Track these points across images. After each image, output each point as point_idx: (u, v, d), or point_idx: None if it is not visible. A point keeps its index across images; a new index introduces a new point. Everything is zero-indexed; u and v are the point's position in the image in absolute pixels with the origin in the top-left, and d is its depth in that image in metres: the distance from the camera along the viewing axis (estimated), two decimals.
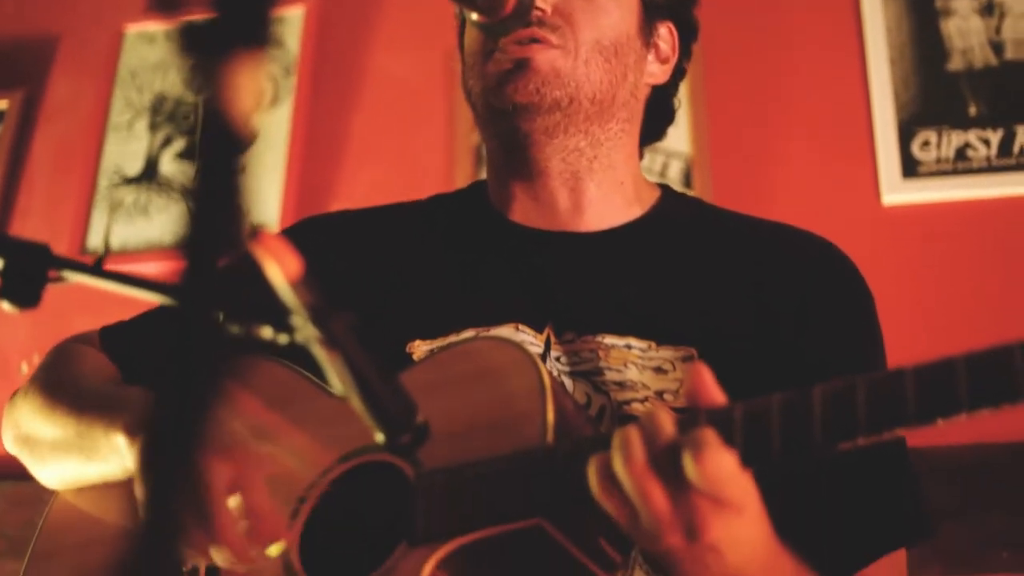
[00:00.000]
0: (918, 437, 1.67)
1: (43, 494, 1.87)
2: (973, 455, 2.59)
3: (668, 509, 1.22)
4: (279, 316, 1.18)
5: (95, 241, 3.69)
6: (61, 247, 3.74)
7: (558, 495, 1.37)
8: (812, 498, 1.53)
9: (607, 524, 1.31)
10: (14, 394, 1.89)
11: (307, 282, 1.12)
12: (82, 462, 1.71)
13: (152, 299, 1.22)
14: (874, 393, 1.20)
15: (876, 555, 1.57)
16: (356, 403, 1.22)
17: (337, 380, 1.19)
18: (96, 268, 1.27)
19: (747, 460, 1.23)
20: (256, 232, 1.06)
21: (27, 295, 1.27)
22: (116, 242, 3.66)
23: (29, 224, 3.79)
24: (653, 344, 1.64)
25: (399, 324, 1.73)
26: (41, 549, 1.80)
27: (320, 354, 1.17)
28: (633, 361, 1.62)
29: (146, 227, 3.69)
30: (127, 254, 3.63)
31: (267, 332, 1.18)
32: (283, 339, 1.17)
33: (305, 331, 1.16)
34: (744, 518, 1.24)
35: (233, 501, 1.45)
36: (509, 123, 1.77)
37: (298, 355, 1.69)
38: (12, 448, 1.86)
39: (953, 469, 2.55)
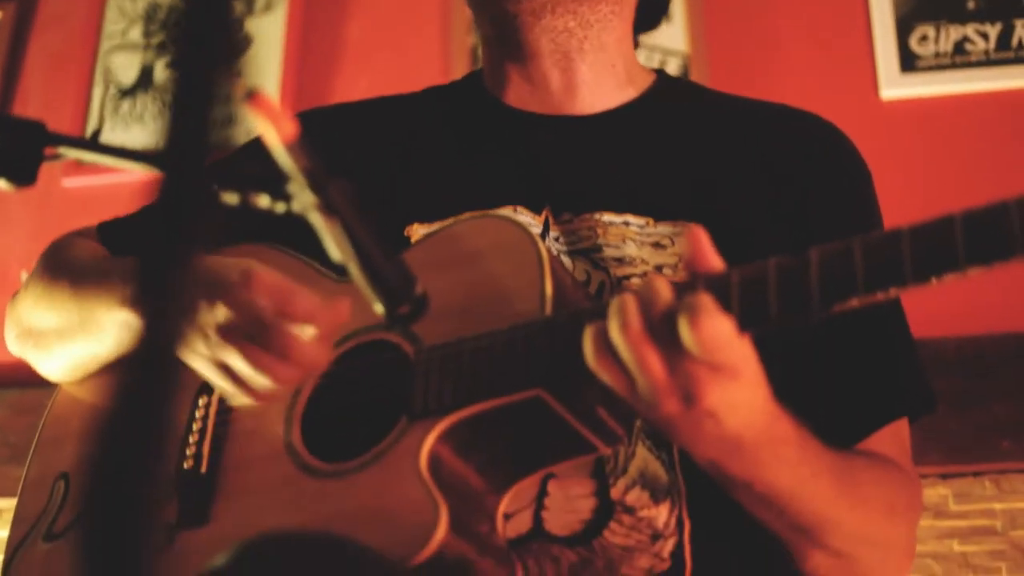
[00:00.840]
0: (918, 327, 1.68)
1: (46, 400, 1.88)
2: (973, 347, 2.59)
3: (664, 375, 1.22)
4: (276, 185, 1.17)
5: None
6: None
7: (556, 366, 1.37)
8: (813, 370, 1.54)
9: (606, 394, 1.31)
10: (14, 295, 1.89)
11: (303, 146, 1.11)
12: (88, 343, 1.70)
13: (146, 172, 1.21)
14: (871, 253, 1.20)
15: (877, 424, 1.58)
16: (354, 273, 1.21)
17: (335, 249, 1.19)
18: (92, 142, 1.26)
19: (745, 325, 1.22)
20: (252, 94, 1.05)
21: (23, 172, 1.27)
22: None
23: None
24: (651, 220, 1.64)
25: (397, 208, 1.73)
26: (47, 436, 1.81)
27: (318, 222, 1.17)
28: (631, 237, 1.62)
29: (142, 134, 3.67)
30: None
31: (264, 201, 1.18)
32: (280, 207, 1.17)
33: (302, 198, 1.15)
34: (741, 383, 1.24)
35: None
36: (497, 5, 1.77)
37: (297, 237, 1.72)
38: (16, 347, 1.86)
39: (953, 361, 2.56)
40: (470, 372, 1.43)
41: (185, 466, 1.61)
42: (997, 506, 2.63)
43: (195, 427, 1.63)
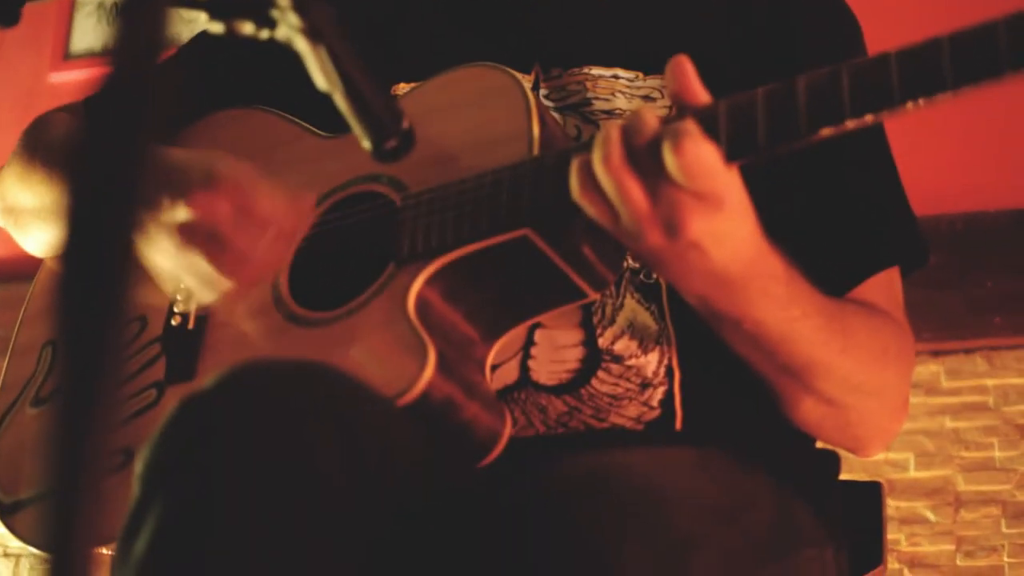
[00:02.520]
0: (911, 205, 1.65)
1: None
2: (965, 224, 2.58)
3: (646, 205, 1.21)
4: (259, 11, 1.15)
5: (80, 43, 3.64)
6: (43, 51, 3.69)
7: (543, 205, 1.36)
8: (803, 220, 1.52)
9: (593, 234, 1.31)
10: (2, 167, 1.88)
11: None
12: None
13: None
14: (859, 76, 1.19)
15: (867, 273, 1.56)
16: (340, 103, 1.19)
17: (321, 78, 1.16)
18: None
19: (733, 153, 1.21)
20: None
21: (6, 12, 1.24)
22: (90, 43, 3.60)
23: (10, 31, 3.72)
24: (640, 74, 1.62)
25: (383, 67, 1.70)
26: (34, 308, 1.81)
27: (303, 49, 1.14)
28: (621, 90, 1.60)
29: None
30: (103, 56, 3.58)
31: (248, 28, 1.15)
32: (264, 34, 1.15)
33: (286, 23, 1.13)
34: (726, 213, 1.23)
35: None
36: None
37: (283, 98, 1.70)
38: (2, 222, 1.85)
39: (946, 238, 2.55)
40: (456, 215, 1.42)
41: (172, 323, 1.61)
42: (989, 382, 2.64)
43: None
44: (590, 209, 1.26)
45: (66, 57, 3.67)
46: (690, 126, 1.19)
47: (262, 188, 1.47)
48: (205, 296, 1.51)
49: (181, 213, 1.45)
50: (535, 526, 1.15)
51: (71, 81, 3.66)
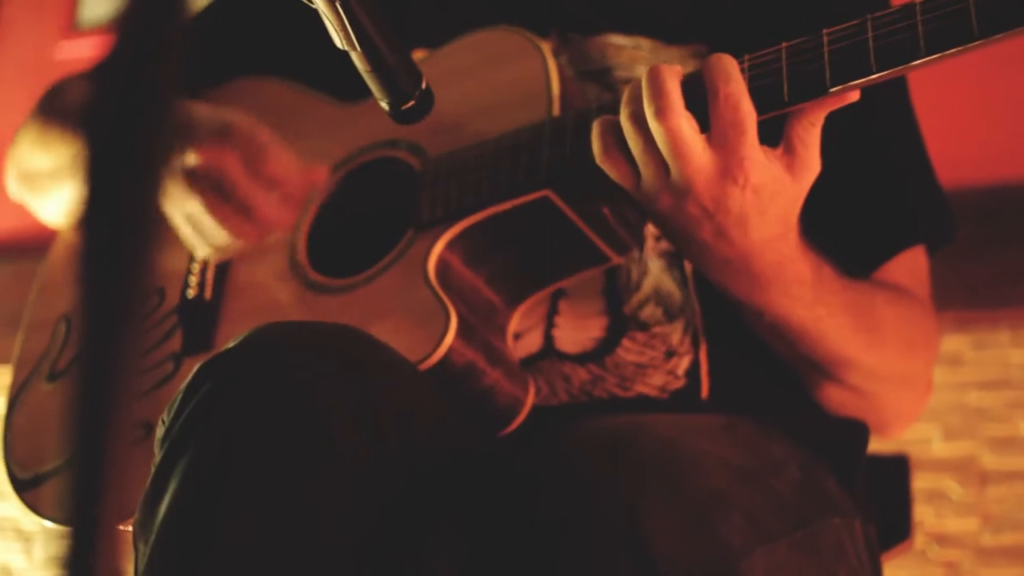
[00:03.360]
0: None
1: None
2: (991, 194, 2.56)
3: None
4: None
5: (88, 15, 3.61)
6: (53, 23, 3.67)
7: (564, 165, 1.33)
8: (830, 197, 1.46)
9: (614, 195, 1.27)
10: (14, 139, 1.86)
11: None
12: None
13: None
14: (883, 24, 1.15)
15: (892, 252, 1.53)
16: (358, 64, 1.17)
17: (339, 38, 1.14)
18: None
19: (761, 107, 1.18)
20: None
21: None
22: (99, 14, 3.57)
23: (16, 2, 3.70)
24: (661, 43, 1.58)
25: (399, 34, 1.67)
26: (48, 281, 1.79)
27: (321, 6, 1.11)
28: (641, 60, 1.57)
29: None
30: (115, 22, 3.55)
31: None
32: None
33: None
34: (749, 196, 1.20)
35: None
36: None
37: (301, 69, 1.68)
38: (17, 191, 1.85)
39: (972, 209, 2.51)
40: (476, 177, 1.40)
41: (189, 295, 1.58)
42: (1014, 356, 2.61)
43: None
44: (613, 172, 1.24)
45: (75, 28, 3.64)
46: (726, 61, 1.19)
47: (275, 147, 1.46)
48: (200, 249, 1.50)
49: (190, 159, 1.44)
50: (556, 484, 1.12)
51: (80, 53, 3.63)
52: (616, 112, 1.24)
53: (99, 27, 3.62)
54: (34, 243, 1.92)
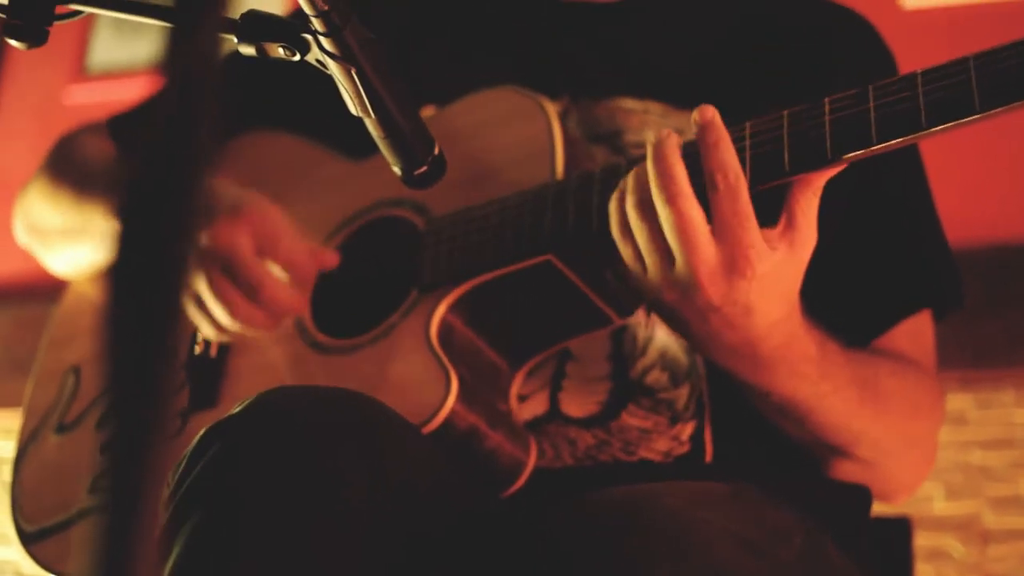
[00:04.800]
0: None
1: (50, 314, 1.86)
2: (997, 256, 2.56)
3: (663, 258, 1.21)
4: (291, 35, 1.12)
5: (97, 60, 3.62)
6: (61, 68, 3.68)
7: (566, 229, 1.34)
8: (835, 263, 1.44)
9: (618, 260, 1.28)
10: (25, 187, 1.87)
11: None
12: (89, 248, 1.70)
13: (159, 24, 1.16)
14: (885, 93, 1.16)
15: (895, 319, 1.53)
16: (371, 128, 1.17)
17: (352, 102, 1.14)
18: None
19: (762, 177, 1.20)
20: None
21: (34, 32, 1.21)
22: (108, 59, 3.58)
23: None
24: (671, 107, 1.59)
25: (410, 90, 1.68)
26: (57, 333, 1.79)
27: (335, 73, 1.12)
28: (651, 124, 1.58)
29: (140, 46, 3.61)
30: (119, 74, 3.56)
31: (279, 51, 1.13)
32: (295, 57, 1.13)
33: (318, 47, 1.11)
34: (756, 284, 1.21)
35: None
36: None
37: (312, 124, 1.68)
38: (24, 239, 1.85)
39: (978, 269, 2.52)
40: (479, 240, 1.41)
41: (196, 351, 1.59)
42: (1018, 416, 2.60)
43: None
44: (625, 251, 1.25)
45: (83, 72, 3.65)
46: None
47: (287, 230, 1.46)
48: (205, 329, 1.49)
49: (200, 237, 1.43)
50: (563, 556, 1.12)
51: (89, 98, 3.64)
52: (618, 176, 1.26)
53: (108, 72, 3.63)
54: (39, 287, 1.93)
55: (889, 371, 1.46)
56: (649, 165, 1.21)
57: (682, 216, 1.18)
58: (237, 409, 1.16)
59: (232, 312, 1.45)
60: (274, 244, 1.45)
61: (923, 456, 1.56)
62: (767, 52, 1.65)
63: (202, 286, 1.45)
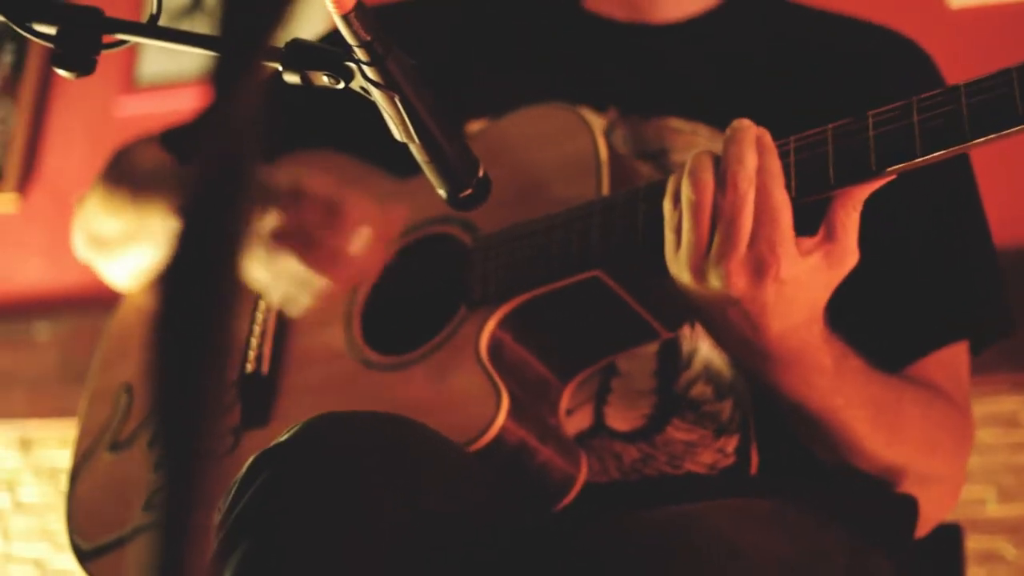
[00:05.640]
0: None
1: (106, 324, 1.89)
2: None
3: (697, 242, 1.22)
4: (335, 63, 1.14)
5: (147, 70, 3.66)
6: (112, 80, 3.72)
7: (613, 244, 1.35)
8: (866, 282, 1.38)
9: (664, 274, 1.28)
10: (82, 200, 1.90)
11: (364, 17, 1.07)
12: (147, 250, 1.72)
13: (207, 55, 1.18)
14: (928, 106, 1.16)
15: (926, 350, 1.51)
16: (416, 153, 1.19)
17: (396, 128, 1.16)
18: (150, 27, 1.22)
19: (807, 189, 1.21)
20: None
21: (82, 62, 1.24)
22: (157, 71, 3.61)
23: None
24: (719, 130, 1.58)
25: (458, 104, 1.70)
26: (111, 349, 1.82)
27: (379, 100, 1.14)
28: (699, 145, 1.58)
29: (189, 57, 3.64)
30: (168, 85, 3.59)
31: (323, 79, 1.15)
32: (339, 85, 1.14)
33: (361, 74, 1.12)
34: (779, 288, 1.20)
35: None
36: None
37: (358, 143, 1.70)
38: (84, 252, 1.88)
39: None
40: (527, 257, 1.42)
41: (247, 369, 1.61)
42: None
43: (256, 330, 1.63)
44: (670, 221, 1.26)
45: (134, 84, 3.69)
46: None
47: (349, 193, 1.48)
48: (303, 298, 1.51)
49: (271, 219, 1.47)
50: (616, 567, 1.14)
51: (139, 110, 3.68)
52: (662, 194, 1.27)
53: (157, 83, 3.67)
54: (96, 298, 1.96)
55: (912, 399, 1.44)
56: (724, 146, 1.22)
57: (736, 201, 1.19)
58: (284, 437, 1.18)
59: (324, 276, 1.48)
60: (341, 207, 1.47)
61: (943, 492, 1.54)
62: (816, 77, 1.64)
63: (290, 261, 1.48)
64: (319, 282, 1.48)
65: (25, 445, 3.67)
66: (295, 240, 1.47)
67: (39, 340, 3.63)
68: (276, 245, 1.47)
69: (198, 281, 0.62)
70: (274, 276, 1.51)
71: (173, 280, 0.62)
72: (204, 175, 0.65)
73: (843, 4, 1.80)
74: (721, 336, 1.32)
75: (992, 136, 1.13)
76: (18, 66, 3.92)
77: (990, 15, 2.97)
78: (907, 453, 1.43)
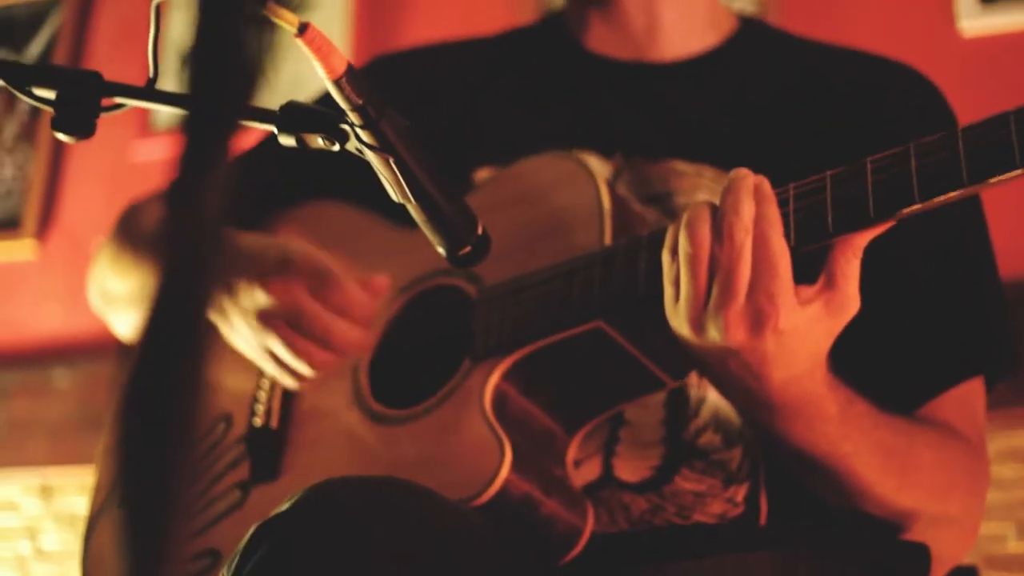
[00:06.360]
0: (1005, 265, 1.58)
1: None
2: None
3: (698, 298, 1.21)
4: (330, 125, 1.14)
5: (163, 115, 3.68)
6: (128, 125, 3.74)
7: (614, 295, 1.34)
8: (872, 324, 1.36)
9: (667, 324, 1.27)
10: (98, 254, 1.91)
11: (354, 82, 1.07)
12: None
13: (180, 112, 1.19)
14: (926, 152, 1.15)
15: (938, 389, 1.49)
16: (414, 213, 1.19)
17: (393, 190, 1.16)
18: (148, 90, 1.22)
19: (806, 238, 1.19)
20: (302, 27, 1.02)
21: (82, 125, 1.24)
22: (174, 115, 3.64)
23: None
24: (724, 172, 1.58)
25: (467, 150, 1.70)
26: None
27: (374, 161, 1.14)
28: (704, 188, 1.57)
29: None
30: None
31: (318, 141, 1.15)
32: (335, 147, 1.14)
33: (356, 136, 1.12)
34: (779, 337, 1.19)
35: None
36: None
37: (363, 190, 1.70)
38: (97, 304, 1.89)
39: None
40: (529, 308, 1.42)
41: (256, 423, 1.61)
42: None
43: (265, 384, 1.63)
44: (668, 274, 1.25)
45: (150, 129, 3.71)
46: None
47: (337, 272, 1.48)
48: (286, 381, 1.53)
49: (260, 297, 1.47)
50: None
51: (155, 155, 3.70)
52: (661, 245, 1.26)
53: (174, 128, 3.70)
54: (113, 344, 1.97)
55: (925, 442, 1.42)
56: (721, 196, 1.22)
57: (732, 253, 1.18)
58: (285, 507, 1.18)
59: (310, 362, 1.48)
60: (328, 289, 1.47)
61: (959, 533, 1.51)
62: (822, 113, 1.64)
63: (275, 344, 1.48)
64: (303, 367, 1.49)
65: (46, 492, 3.68)
66: (282, 321, 1.47)
67: (58, 387, 3.64)
68: (262, 325, 1.48)
69: (164, 353, 0.62)
70: (260, 355, 1.52)
71: (142, 351, 0.62)
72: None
73: (854, 33, 1.80)
74: (724, 387, 1.31)
75: (992, 181, 1.12)
76: (35, 112, 3.95)
77: (1002, 43, 2.95)
78: (919, 497, 1.41)
